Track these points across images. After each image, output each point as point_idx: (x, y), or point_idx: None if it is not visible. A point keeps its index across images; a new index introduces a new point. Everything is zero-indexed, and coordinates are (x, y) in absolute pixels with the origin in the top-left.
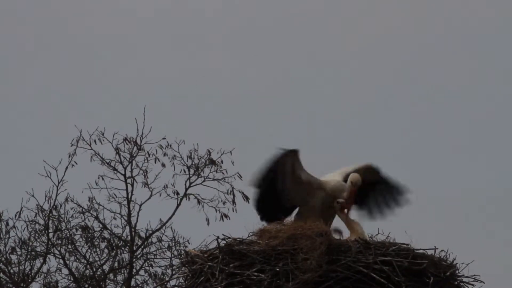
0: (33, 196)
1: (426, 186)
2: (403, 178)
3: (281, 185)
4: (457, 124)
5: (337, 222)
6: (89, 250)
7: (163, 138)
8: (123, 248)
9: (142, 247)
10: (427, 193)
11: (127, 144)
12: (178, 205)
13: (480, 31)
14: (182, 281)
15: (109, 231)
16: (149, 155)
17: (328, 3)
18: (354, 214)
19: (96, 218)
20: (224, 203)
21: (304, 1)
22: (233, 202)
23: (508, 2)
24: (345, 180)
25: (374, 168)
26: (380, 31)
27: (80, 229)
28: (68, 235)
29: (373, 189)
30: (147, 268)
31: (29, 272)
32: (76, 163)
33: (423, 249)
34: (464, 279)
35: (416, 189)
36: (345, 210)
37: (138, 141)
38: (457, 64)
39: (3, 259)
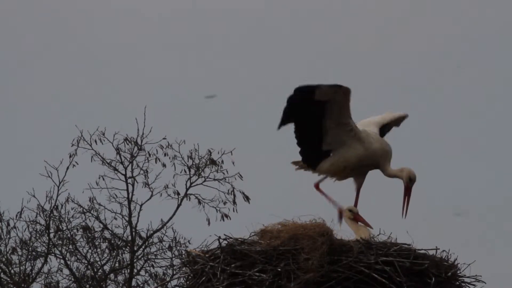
0: (34, 196)
1: (426, 186)
2: None
3: (325, 124)
4: (458, 123)
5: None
6: (90, 251)
7: (164, 138)
8: (124, 248)
9: (143, 247)
10: (428, 194)
11: (128, 144)
12: (178, 205)
13: (480, 31)
14: (183, 281)
15: (110, 231)
16: (149, 155)
17: (329, 3)
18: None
19: (97, 218)
20: (224, 203)
21: (304, 1)
22: (234, 202)
23: (508, 2)
24: (380, 130)
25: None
26: (380, 31)
27: (81, 230)
28: (69, 236)
29: None
30: (148, 268)
31: (30, 273)
32: (77, 163)
33: (425, 250)
34: (466, 280)
35: (416, 189)
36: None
37: (139, 141)
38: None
39: (4, 259)
